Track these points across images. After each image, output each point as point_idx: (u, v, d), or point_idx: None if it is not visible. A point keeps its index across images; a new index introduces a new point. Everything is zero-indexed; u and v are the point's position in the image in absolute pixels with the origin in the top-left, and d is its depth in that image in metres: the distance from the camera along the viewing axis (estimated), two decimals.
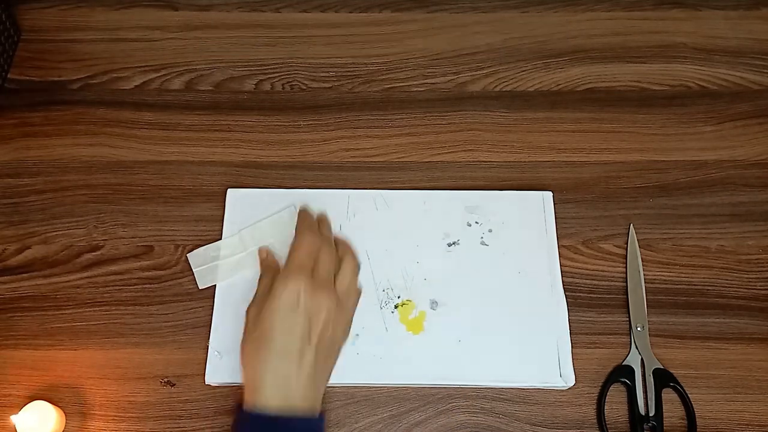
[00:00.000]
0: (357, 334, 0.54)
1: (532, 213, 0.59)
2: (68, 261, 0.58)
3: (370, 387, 0.53)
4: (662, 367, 0.53)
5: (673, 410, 0.53)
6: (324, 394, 0.53)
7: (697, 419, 0.52)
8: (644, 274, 0.57)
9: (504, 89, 0.67)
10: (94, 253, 0.59)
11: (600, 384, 0.53)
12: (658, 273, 0.58)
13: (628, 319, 0.56)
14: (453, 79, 0.68)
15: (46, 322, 0.56)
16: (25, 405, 0.51)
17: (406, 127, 0.65)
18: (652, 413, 0.52)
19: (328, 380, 0.46)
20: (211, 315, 0.55)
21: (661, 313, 0.56)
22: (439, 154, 0.64)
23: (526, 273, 0.56)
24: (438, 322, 0.55)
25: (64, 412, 0.52)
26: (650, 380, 0.53)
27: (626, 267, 0.58)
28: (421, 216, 0.59)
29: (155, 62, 0.69)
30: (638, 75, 0.68)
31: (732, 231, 0.60)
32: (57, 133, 0.65)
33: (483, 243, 0.58)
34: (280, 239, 0.56)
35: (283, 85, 0.68)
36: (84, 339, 0.55)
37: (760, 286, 0.57)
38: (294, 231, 0.49)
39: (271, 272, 0.51)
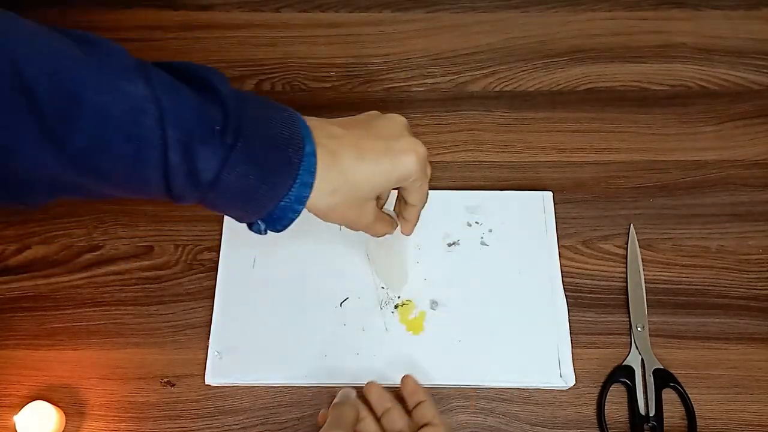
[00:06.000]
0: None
1: (532, 213, 0.59)
2: (68, 261, 0.58)
3: None
4: (662, 367, 0.53)
5: (673, 410, 0.53)
6: (323, 394, 0.53)
7: (697, 419, 0.52)
8: (644, 274, 0.57)
9: (504, 89, 0.67)
10: (94, 253, 0.59)
11: (600, 384, 0.53)
12: (659, 273, 0.58)
13: (628, 319, 0.56)
14: (453, 79, 0.68)
15: (46, 322, 0.56)
16: (25, 405, 0.51)
17: None
18: (652, 413, 0.52)
19: None
20: (211, 315, 0.55)
21: (662, 313, 0.56)
22: (439, 154, 0.64)
23: (526, 273, 0.56)
24: (438, 322, 0.54)
25: (64, 412, 0.52)
26: (650, 380, 0.53)
27: (626, 267, 0.58)
28: (422, 216, 0.58)
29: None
30: (638, 75, 0.68)
31: (732, 231, 0.60)
32: None
33: (483, 243, 0.58)
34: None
35: (283, 85, 0.68)
36: (84, 339, 0.55)
37: (761, 286, 0.57)
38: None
39: None
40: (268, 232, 0.41)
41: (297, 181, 0.38)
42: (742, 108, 0.66)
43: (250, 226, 0.41)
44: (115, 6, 0.73)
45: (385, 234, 0.47)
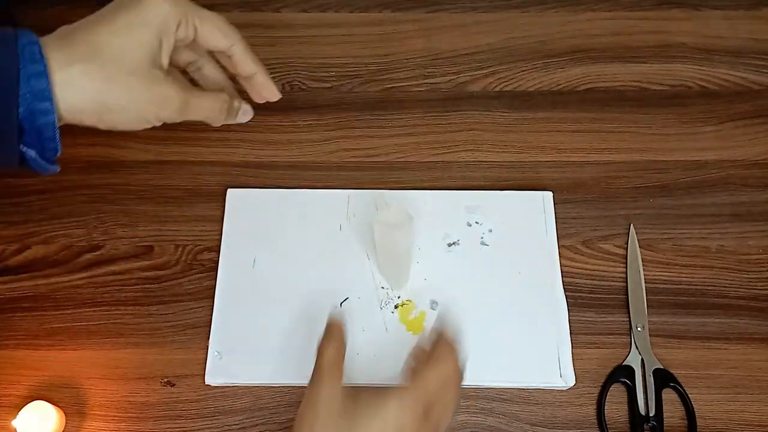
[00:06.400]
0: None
1: (532, 213, 0.59)
2: (68, 261, 0.58)
3: (371, 387, 0.53)
4: (662, 367, 0.53)
5: (673, 410, 0.53)
6: None
7: (697, 419, 0.52)
8: (644, 274, 0.57)
9: (504, 89, 0.67)
10: (94, 253, 0.59)
11: (600, 384, 0.53)
12: (659, 273, 0.58)
13: (628, 319, 0.56)
14: (453, 79, 0.68)
15: (45, 322, 0.56)
16: (25, 405, 0.51)
17: (406, 127, 0.65)
18: (652, 413, 0.52)
19: None
20: (211, 315, 0.55)
21: (662, 313, 0.56)
22: (439, 154, 0.64)
23: (526, 273, 0.56)
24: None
25: (64, 412, 0.52)
26: (650, 380, 0.53)
27: (626, 267, 0.58)
28: (421, 216, 0.59)
29: None
30: (638, 75, 0.68)
31: (732, 231, 0.60)
32: None
33: (483, 243, 0.58)
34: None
35: (283, 85, 0.68)
36: (84, 339, 0.55)
37: (761, 286, 0.57)
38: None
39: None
40: (56, 165, 0.37)
41: (21, 73, 0.33)
42: (742, 108, 0.66)
43: (25, 164, 0.37)
44: None
45: (221, 112, 0.43)
